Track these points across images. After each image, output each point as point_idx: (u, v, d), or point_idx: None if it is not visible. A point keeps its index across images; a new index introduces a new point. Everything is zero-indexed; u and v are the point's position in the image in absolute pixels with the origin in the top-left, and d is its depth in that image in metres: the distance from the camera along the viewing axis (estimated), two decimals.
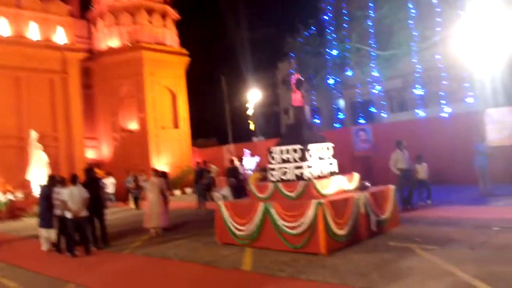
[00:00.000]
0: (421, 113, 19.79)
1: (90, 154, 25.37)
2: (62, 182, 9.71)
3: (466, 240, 7.08)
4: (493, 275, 5.20)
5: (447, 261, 5.96)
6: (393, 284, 5.27)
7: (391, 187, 8.89)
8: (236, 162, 16.81)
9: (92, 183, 9.90)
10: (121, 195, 20.35)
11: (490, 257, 6.00)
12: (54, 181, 10.09)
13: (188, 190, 24.21)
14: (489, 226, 7.93)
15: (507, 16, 13.92)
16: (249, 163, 19.56)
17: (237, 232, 8.26)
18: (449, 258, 6.13)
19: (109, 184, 19.53)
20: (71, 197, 8.77)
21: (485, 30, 14.38)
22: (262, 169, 12.46)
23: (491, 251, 6.30)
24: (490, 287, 4.81)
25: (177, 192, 23.94)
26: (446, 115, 16.18)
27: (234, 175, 16.57)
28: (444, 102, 18.49)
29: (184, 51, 27.61)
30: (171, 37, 27.29)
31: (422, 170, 11.27)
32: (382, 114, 23.77)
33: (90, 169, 10.80)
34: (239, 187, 14.40)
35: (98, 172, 11.50)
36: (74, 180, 9.11)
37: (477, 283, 4.98)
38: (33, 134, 20.16)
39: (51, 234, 9.89)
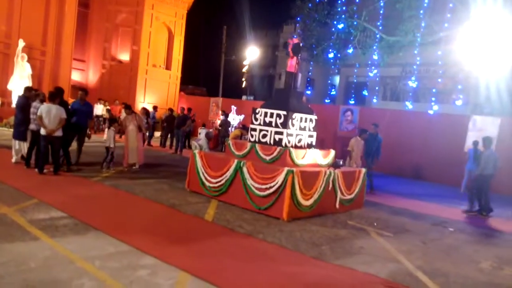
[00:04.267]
0: (409, 105, 19.97)
1: (76, 76, 24.85)
2: (42, 97, 9.54)
3: (421, 234, 7.42)
4: (435, 270, 5.50)
5: (397, 249, 6.25)
6: (342, 259, 5.52)
7: (362, 170, 9.10)
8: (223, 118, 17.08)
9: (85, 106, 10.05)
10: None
11: (437, 254, 6.32)
12: (30, 92, 9.94)
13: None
14: (446, 226, 8.29)
15: None
16: (234, 120, 19.68)
17: (207, 183, 8.39)
18: (400, 246, 6.43)
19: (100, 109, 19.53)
20: (48, 114, 8.66)
21: (491, 36, 14.31)
22: (243, 127, 12.55)
23: (440, 248, 6.63)
24: (429, 279, 5.10)
25: (157, 133, 23.89)
26: (432, 112, 16.37)
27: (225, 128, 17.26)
28: (434, 99, 18.69)
29: None
30: None
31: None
32: (374, 100, 23.89)
33: (86, 91, 10.58)
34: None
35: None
36: (53, 97, 8.94)
37: (419, 274, 5.26)
38: (21, 44, 19.53)
39: (23, 147, 9.85)
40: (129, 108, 11.20)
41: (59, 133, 8.89)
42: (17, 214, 5.96)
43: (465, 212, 9.76)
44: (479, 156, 10.09)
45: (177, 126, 16.38)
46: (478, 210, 9.74)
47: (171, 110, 19.08)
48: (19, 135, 9.78)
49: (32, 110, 9.27)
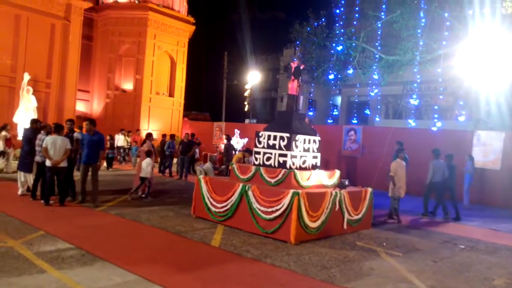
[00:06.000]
0: (412, 123, 20.00)
1: (80, 107, 25.14)
2: (49, 129, 9.62)
3: (431, 253, 7.30)
4: None
5: (408, 269, 6.15)
6: (352, 281, 5.43)
7: (369, 189, 9.04)
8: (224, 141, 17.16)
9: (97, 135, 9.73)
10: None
11: (449, 272, 6.20)
12: (37, 124, 10.05)
13: (173, 160, 24.15)
14: (456, 243, 8.16)
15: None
16: (238, 143, 19.76)
17: (213, 209, 8.36)
18: (410, 266, 6.33)
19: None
20: (54, 146, 8.74)
21: (489, 52, 14.45)
22: (246, 150, 12.59)
23: (451, 267, 6.51)
24: None
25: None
26: (435, 129, 16.35)
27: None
28: (436, 116, 18.72)
29: (191, 19, 27.23)
30: (180, 2, 26.89)
31: None
32: (376, 118, 23.96)
33: (93, 121, 10.61)
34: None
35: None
36: (58, 129, 9.04)
37: None
38: (26, 77, 19.86)
39: (28, 178, 9.90)
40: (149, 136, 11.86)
41: (64, 164, 8.95)
42: (23, 246, 5.94)
43: (422, 216, 10.86)
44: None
45: (182, 152, 16.38)
46: (454, 218, 10.70)
47: (163, 135, 19.22)
48: (24, 166, 9.85)
49: (37, 142, 9.36)
